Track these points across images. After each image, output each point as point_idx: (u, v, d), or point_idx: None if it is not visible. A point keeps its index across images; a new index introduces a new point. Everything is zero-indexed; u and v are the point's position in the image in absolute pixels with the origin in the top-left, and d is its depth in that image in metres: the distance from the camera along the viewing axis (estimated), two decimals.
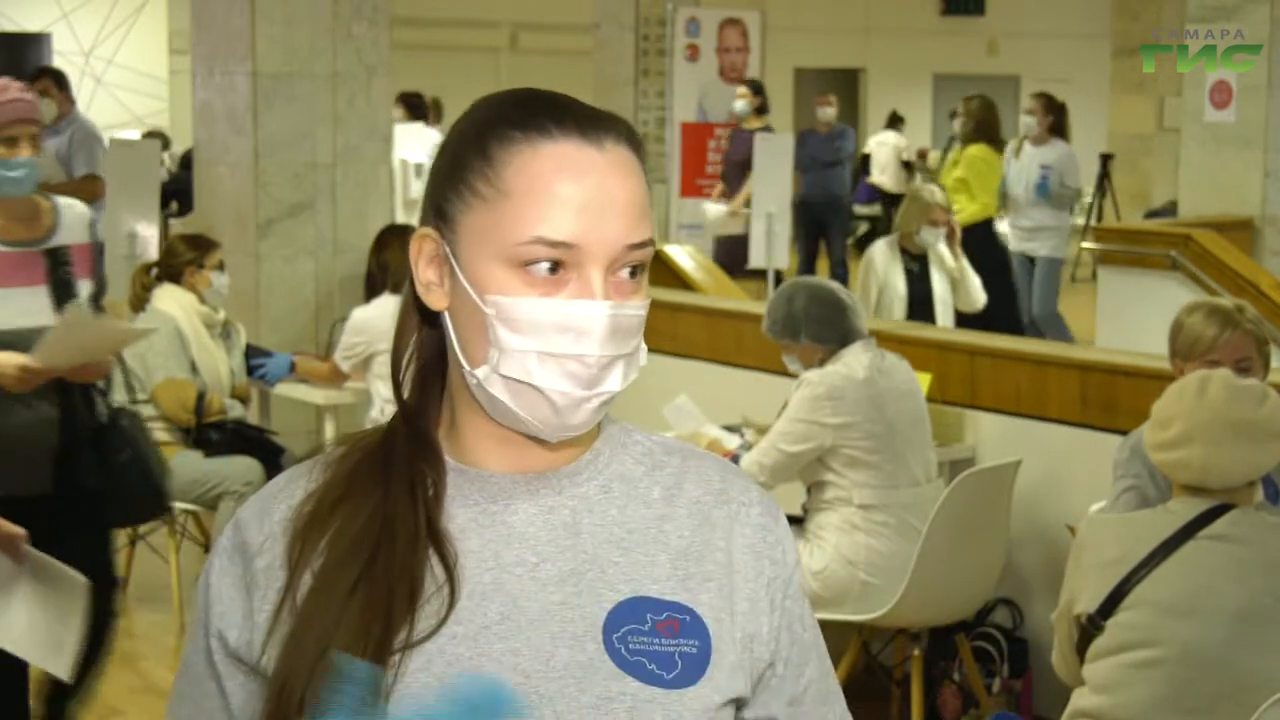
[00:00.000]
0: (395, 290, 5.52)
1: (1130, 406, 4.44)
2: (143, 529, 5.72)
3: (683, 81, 11.59)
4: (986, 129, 9.31)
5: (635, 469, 1.36)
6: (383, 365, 5.59)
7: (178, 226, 10.30)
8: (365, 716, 1.18)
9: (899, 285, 6.38)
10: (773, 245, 7.64)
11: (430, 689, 1.23)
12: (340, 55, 6.61)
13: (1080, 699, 2.93)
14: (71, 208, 3.77)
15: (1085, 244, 11.43)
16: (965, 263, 6.57)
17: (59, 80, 8.39)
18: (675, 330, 6.14)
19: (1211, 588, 2.81)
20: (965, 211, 9.42)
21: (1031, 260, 9.15)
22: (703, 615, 1.30)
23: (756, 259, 7.92)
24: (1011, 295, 8.58)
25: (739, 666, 1.32)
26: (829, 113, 12.15)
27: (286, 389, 6.00)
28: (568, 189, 1.24)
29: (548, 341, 1.24)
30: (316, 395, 5.89)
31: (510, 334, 1.25)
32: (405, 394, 1.35)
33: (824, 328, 4.42)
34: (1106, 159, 15.34)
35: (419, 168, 10.28)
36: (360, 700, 1.18)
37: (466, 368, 1.28)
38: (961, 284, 6.51)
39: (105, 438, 3.73)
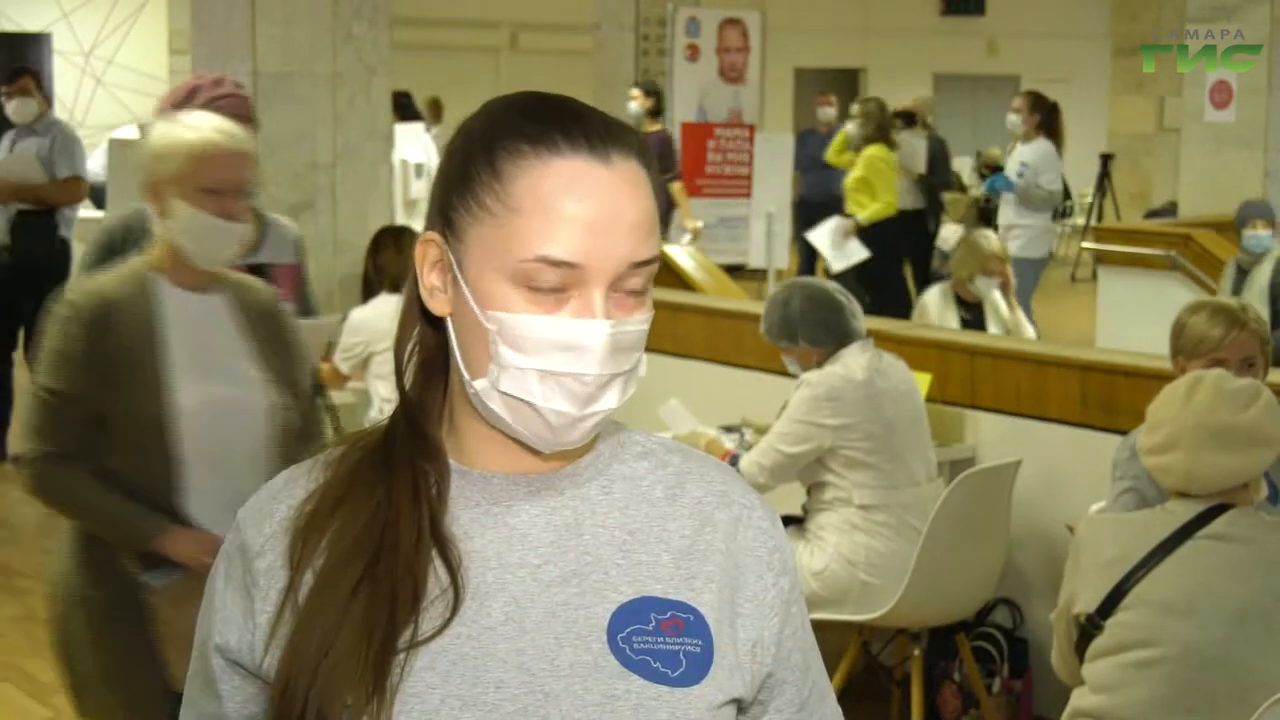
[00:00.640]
0: (393, 290, 5.51)
1: (1130, 406, 4.44)
2: None
3: (683, 81, 11.60)
4: (883, 130, 9.48)
5: (637, 467, 1.36)
6: (381, 365, 5.60)
7: None
8: None
9: None
10: (773, 245, 7.64)
11: (434, 688, 1.24)
12: (340, 55, 6.61)
13: (1080, 699, 2.93)
14: (279, 225, 3.59)
15: (1085, 244, 11.43)
16: (1020, 314, 6.48)
17: (38, 80, 8.38)
18: (675, 330, 6.14)
19: (1210, 587, 2.81)
20: (868, 209, 9.56)
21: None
22: (705, 615, 1.30)
23: (756, 259, 7.91)
24: (900, 289, 8.68)
25: (738, 668, 1.32)
26: (829, 113, 12.16)
27: None
28: (574, 208, 1.24)
29: (548, 360, 1.24)
30: None
31: (511, 352, 1.25)
32: (407, 391, 1.35)
33: (820, 330, 4.42)
34: (1106, 159, 15.36)
35: (419, 168, 10.28)
36: None
37: (466, 377, 1.29)
38: (1015, 334, 6.35)
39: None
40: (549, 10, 16.41)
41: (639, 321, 1.27)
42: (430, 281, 1.31)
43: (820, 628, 1.46)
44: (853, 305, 4.51)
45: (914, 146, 10.96)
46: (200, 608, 1.38)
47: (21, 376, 7.76)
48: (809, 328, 4.43)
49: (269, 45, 6.46)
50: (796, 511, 4.52)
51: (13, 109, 7.52)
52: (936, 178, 11.17)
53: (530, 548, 1.30)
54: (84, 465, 2.82)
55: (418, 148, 10.35)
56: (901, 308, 8.82)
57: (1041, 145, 9.00)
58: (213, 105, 3.37)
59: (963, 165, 17.77)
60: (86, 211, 12.67)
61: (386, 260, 5.66)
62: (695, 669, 1.28)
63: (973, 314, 6.33)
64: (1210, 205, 8.70)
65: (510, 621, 1.27)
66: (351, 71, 6.65)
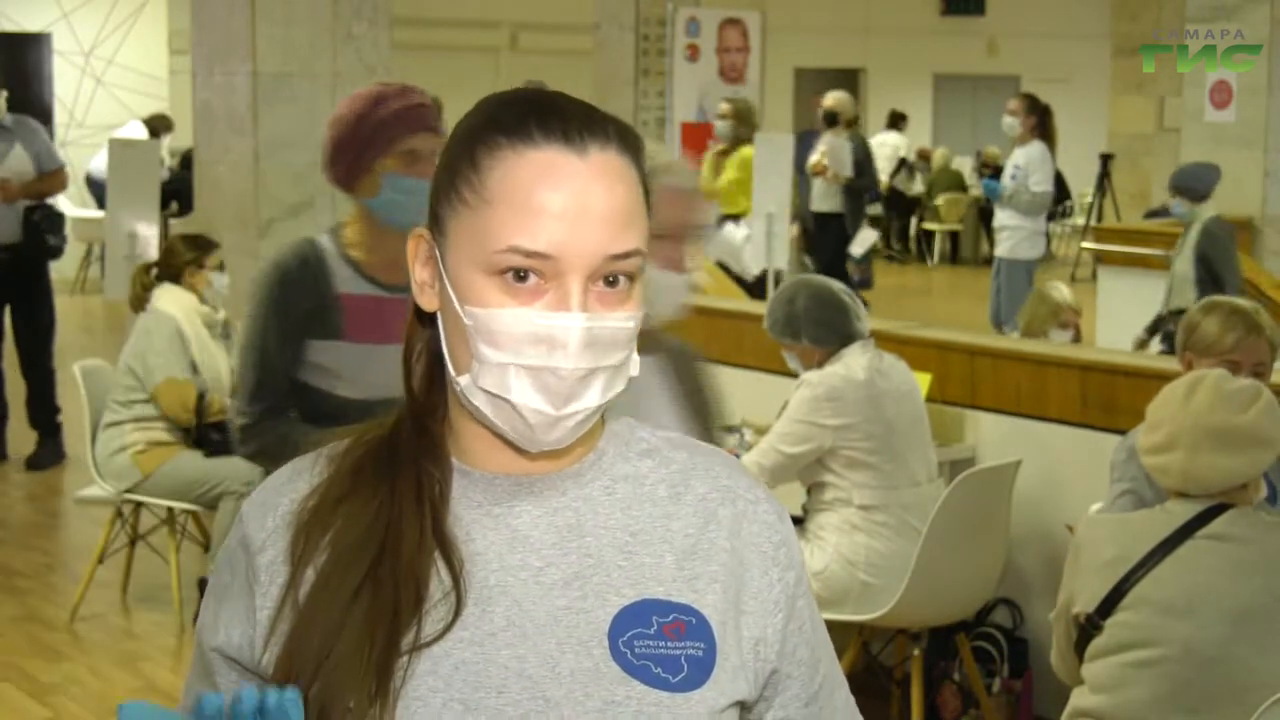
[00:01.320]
0: None
1: (1130, 406, 4.44)
2: (142, 529, 5.72)
3: (683, 81, 11.59)
4: (752, 131, 9.47)
5: (641, 465, 1.35)
6: None
7: (178, 226, 10.29)
8: None
9: None
10: (773, 246, 7.64)
11: (437, 692, 1.23)
12: (340, 55, 6.61)
13: (1080, 699, 2.93)
14: None
15: (1085, 244, 11.43)
16: None
17: None
18: (675, 330, 6.13)
19: (1210, 587, 2.81)
20: (747, 209, 9.51)
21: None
22: (708, 617, 1.29)
23: (757, 260, 7.91)
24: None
25: (742, 669, 1.31)
26: None
27: None
28: (545, 198, 1.23)
29: (522, 354, 1.23)
30: None
31: (488, 347, 1.24)
32: (414, 389, 1.34)
33: (823, 329, 4.42)
34: (1106, 159, 15.35)
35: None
36: None
37: (452, 373, 1.28)
38: None
39: None
40: (549, 10, 16.41)
41: (621, 318, 1.25)
42: (420, 277, 1.31)
43: None
44: (857, 306, 4.51)
45: (839, 148, 10.72)
46: (204, 599, 1.38)
47: (12, 378, 7.75)
48: (812, 326, 4.43)
49: (269, 45, 6.46)
50: (797, 511, 4.52)
51: None
52: (862, 180, 10.95)
53: (532, 550, 1.29)
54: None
55: None
56: None
57: (1035, 148, 8.96)
58: (400, 116, 3.00)
59: (963, 165, 17.80)
60: (88, 211, 12.69)
61: None
62: (697, 673, 1.27)
63: None
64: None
65: (512, 626, 1.26)
66: (351, 71, 6.65)
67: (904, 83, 19.71)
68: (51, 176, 7.74)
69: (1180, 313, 4.97)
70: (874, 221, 17.41)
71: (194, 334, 5.44)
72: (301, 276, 2.96)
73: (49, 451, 7.67)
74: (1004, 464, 4.55)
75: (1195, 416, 2.88)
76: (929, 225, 17.17)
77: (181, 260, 5.54)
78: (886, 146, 17.18)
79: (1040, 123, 9.02)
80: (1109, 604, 2.87)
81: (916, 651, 4.52)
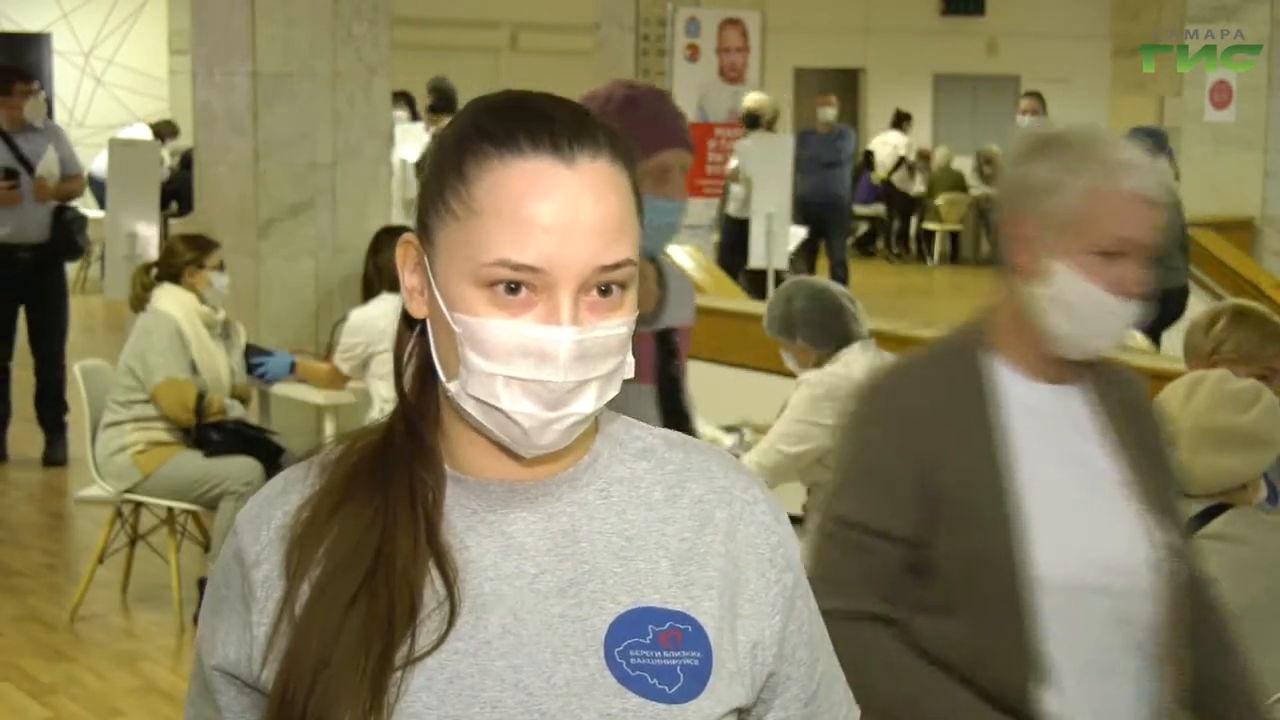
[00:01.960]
0: (393, 290, 5.51)
1: None
2: (142, 529, 5.72)
3: (683, 81, 11.58)
4: None
5: (636, 467, 1.34)
6: (381, 365, 5.60)
7: (178, 226, 10.30)
8: None
9: None
10: (773, 245, 7.64)
11: (431, 709, 1.22)
12: (340, 55, 6.61)
13: None
14: (680, 275, 2.82)
15: None
16: None
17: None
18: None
19: None
20: None
21: None
22: (704, 624, 1.28)
23: (756, 259, 7.92)
24: None
25: (738, 674, 1.30)
26: (829, 113, 12.15)
27: (286, 389, 5.99)
28: (534, 210, 1.21)
29: (512, 365, 1.22)
30: (316, 395, 5.89)
31: (477, 356, 1.23)
32: (406, 393, 1.33)
33: (818, 331, 4.42)
34: None
35: (419, 168, 10.28)
36: None
37: (443, 379, 1.27)
38: None
39: None
40: (549, 10, 16.41)
41: (613, 325, 1.24)
42: (410, 283, 1.30)
43: None
44: (855, 308, 4.51)
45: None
46: (202, 612, 1.37)
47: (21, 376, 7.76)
48: (808, 327, 4.43)
49: (269, 45, 6.46)
50: (797, 511, 4.52)
51: (29, 109, 7.57)
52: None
53: (527, 557, 1.28)
54: (896, 631, 2.03)
55: (417, 148, 10.35)
56: None
57: None
58: (653, 125, 2.63)
59: (963, 165, 17.79)
60: (88, 211, 12.69)
61: (386, 260, 5.66)
62: (693, 683, 1.26)
63: None
64: (1210, 205, 8.70)
65: (508, 635, 1.25)
66: (351, 71, 6.65)
67: (904, 83, 19.70)
68: (75, 180, 7.80)
69: None
70: (874, 222, 17.46)
71: (194, 334, 5.44)
72: None
73: (58, 449, 7.69)
74: None
75: (1195, 417, 2.88)
76: (929, 225, 17.17)
77: (181, 260, 5.54)
78: (888, 145, 17.18)
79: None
80: None
81: None
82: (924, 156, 17.51)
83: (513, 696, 1.23)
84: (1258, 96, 8.53)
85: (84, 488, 5.86)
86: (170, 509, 5.51)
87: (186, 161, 11.19)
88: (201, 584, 5.35)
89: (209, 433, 5.39)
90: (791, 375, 4.57)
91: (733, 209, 10.47)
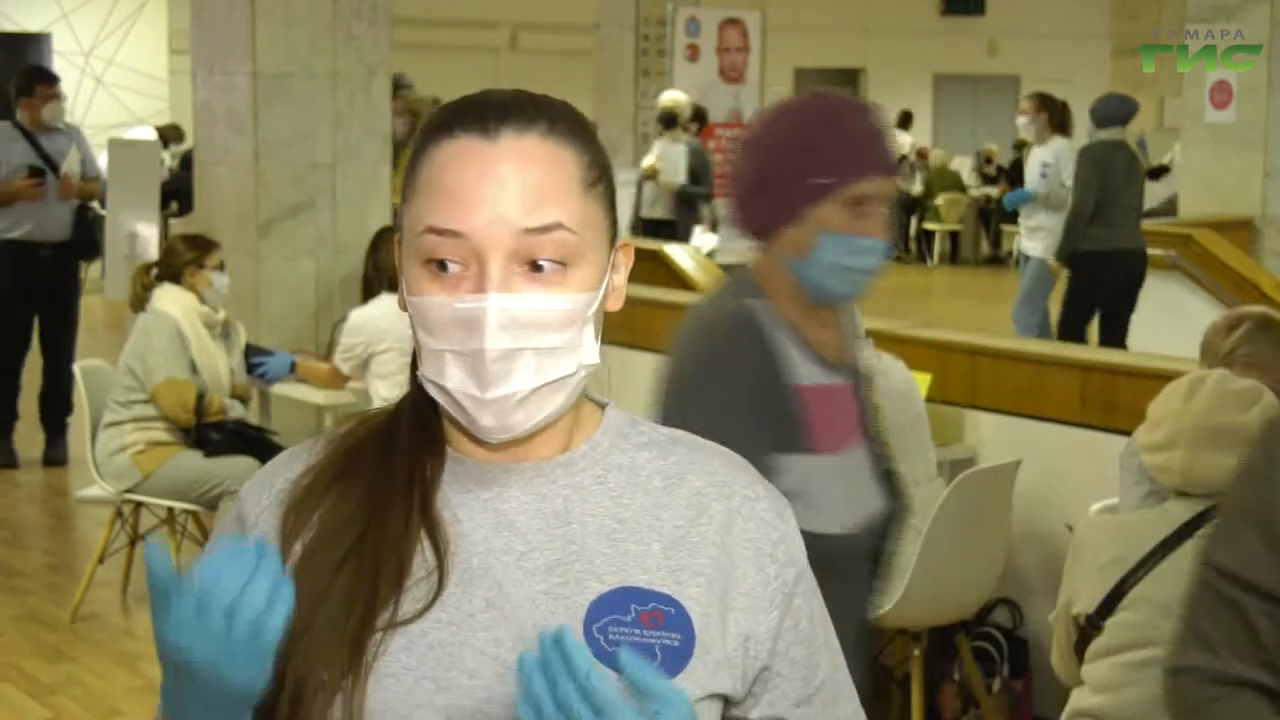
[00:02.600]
0: (392, 290, 5.48)
1: (1130, 406, 4.44)
2: (142, 528, 5.72)
3: (683, 81, 11.59)
4: None
5: (638, 456, 1.35)
6: (381, 365, 5.60)
7: (178, 226, 10.30)
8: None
9: None
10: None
11: (410, 669, 1.25)
12: (340, 55, 6.62)
13: (1080, 699, 2.93)
14: (854, 314, 2.49)
15: None
16: None
17: None
18: (675, 330, 6.13)
19: None
20: None
21: (1028, 259, 8.91)
22: (689, 609, 1.29)
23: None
24: None
25: (726, 664, 1.30)
26: None
27: (286, 389, 6.00)
28: (455, 179, 1.25)
29: (449, 339, 1.25)
30: (316, 395, 5.89)
31: (424, 334, 1.27)
32: (418, 380, 1.35)
33: None
34: None
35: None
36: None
37: (420, 367, 1.30)
38: None
39: None
40: (549, 10, 16.43)
41: (549, 299, 1.25)
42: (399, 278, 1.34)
43: None
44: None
45: (673, 154, 10.41)
46: None
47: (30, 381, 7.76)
48: None
49: (269, 45, 6.46)
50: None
51: (48, 111, 7.59)
52: (699, 188, 10.47)
53: (518, 534, 1.30)
54: (1267, 700, 1.79)
55: None
56: None
57: (1058, 143, 8.74)
58: (853, 145, 2.27)
59: (962, 165, 17.80)
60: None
61: (386, 260, 5.66)
62: (671, 663, 1.27)
63: None
64: (1210, 205, 8.71)
65: (491, 608, 1.27)
66: (351, 71, 6.65)
67: (904, 83, 19.72)
68: (96, 180, 7.84)
69: None
70: None
71: (194, 334, 5.44)
72: (750, 358, 2.23)
73: (58, 449, 7.70)
74: (1004, 464, 4.55)
75: (1195, 416, 2.88)
76: (929, 225, 17.18)
77: (181, 260, 5.54)
78: None
79: (1058, 120, 8.91)
80: (1109, 604, 2.87)
81: (916, 651, 4.52)
82: (922, 156, 17.53)
83: (490, 668, 1.25)
84: (1258, 96, 8.53)
85: (84, 488, 5.87)
86: (170, 509, 5.51)
87: (186, 162, 11.20)
88: None
89: (209, 433, 5.39)
90: None
91: (645, 209, 10.46)
